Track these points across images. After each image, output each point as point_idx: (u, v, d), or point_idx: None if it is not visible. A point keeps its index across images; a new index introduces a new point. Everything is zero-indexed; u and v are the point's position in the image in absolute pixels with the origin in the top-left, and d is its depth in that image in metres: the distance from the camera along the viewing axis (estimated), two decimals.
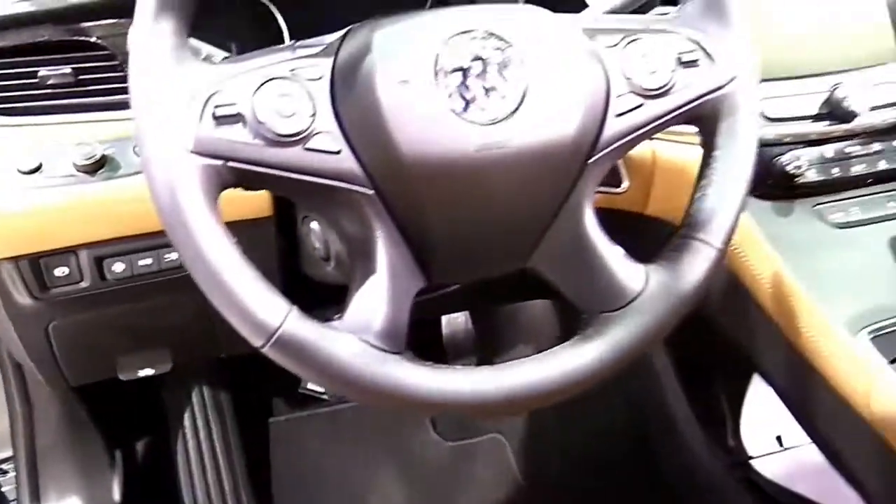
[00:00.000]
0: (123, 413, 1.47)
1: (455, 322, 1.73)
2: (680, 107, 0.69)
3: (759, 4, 1.00)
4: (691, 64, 0.69)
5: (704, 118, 0.71)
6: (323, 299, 0.74)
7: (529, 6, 0.69)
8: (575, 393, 0.67)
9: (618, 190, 0.95)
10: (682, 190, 0.74)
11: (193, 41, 0.75)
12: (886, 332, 0.86)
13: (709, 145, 0.72)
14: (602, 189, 0.93)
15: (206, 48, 0.76)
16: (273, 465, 1.62)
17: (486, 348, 1.74)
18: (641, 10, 0.83)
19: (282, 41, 0.97)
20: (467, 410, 0.66)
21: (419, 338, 1.70)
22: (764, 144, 0.96)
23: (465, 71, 0.62)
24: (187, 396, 1.51)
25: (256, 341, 0.59)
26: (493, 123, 0.62)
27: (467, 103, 0.62)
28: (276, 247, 0.95)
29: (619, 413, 1.58)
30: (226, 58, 0.75)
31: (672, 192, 0.92)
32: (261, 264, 0.98)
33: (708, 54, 0.70)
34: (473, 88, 0.62)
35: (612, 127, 0.67)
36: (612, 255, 0.69)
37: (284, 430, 1.65)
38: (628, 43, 0.68)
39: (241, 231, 0.88)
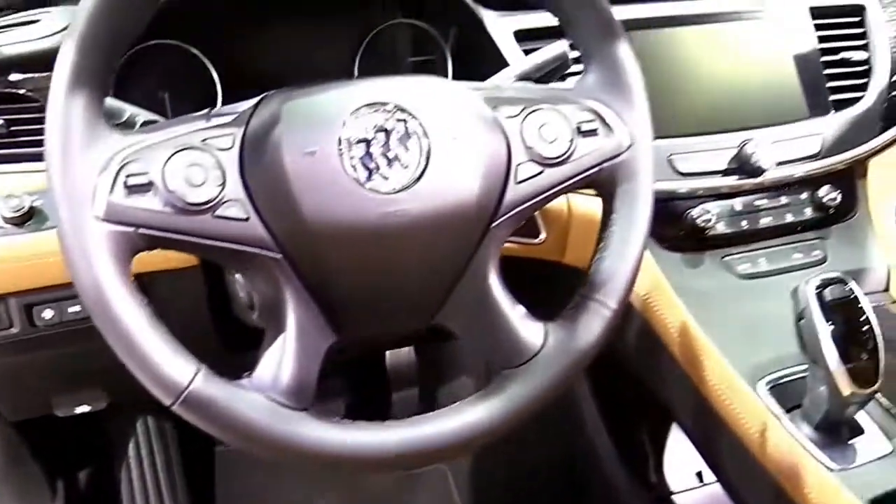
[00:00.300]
0: (65, 444, 1.47)
1: (399, 353, 1.76)
2: (579, 174, 0.73)
3: (674, 63, 1.06)
4: (590, 133, 0.74)
5: (603, 184, 0.76)
6: (257, 341, 0.77)
7: (434, 78, 0.73)
8: (477, 447, 0.71)
9: (536, 241, 0.99)
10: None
11: (115, 102, 0.78)
12: (784, 383, 0.91)
13: (607, 209, 0.76)
14: (521, 240, 0.98)
15: (130, 109, 0.79)
16: (217, 494, 1.63)
17: (429, 380, 1.77)
18: (552, 74, 0.88)
19: (214, 89, 1.00)
20: (370, 467, 0.69)
21: (362, 369, 1.72)
22: (675, 198, 1.02)
23: (368, 142, 0.66)
24: (130, 426, 1.52)
25: (165, 400, 0.62)
26: (395, 192, 0.65)
27: (370, 173, 0.65)
28: (205, 294, 0.98)
29: (550, 448, 1.62)
30: (145, 122, 0.77)
31: (587, 242, 0.96)
32: (192, 311, 1.00)
33: (606, 124, 0.74)
34: (377, 158, 0.66)
35: (513, 193, 0.71)
36: (514, 315, 0.73)
37: (229, 459, 1.66)
38: (529, 113, 0.72)
39: (171, 281, 0.91)
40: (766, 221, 1.06)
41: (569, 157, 0.73)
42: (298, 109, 0.66)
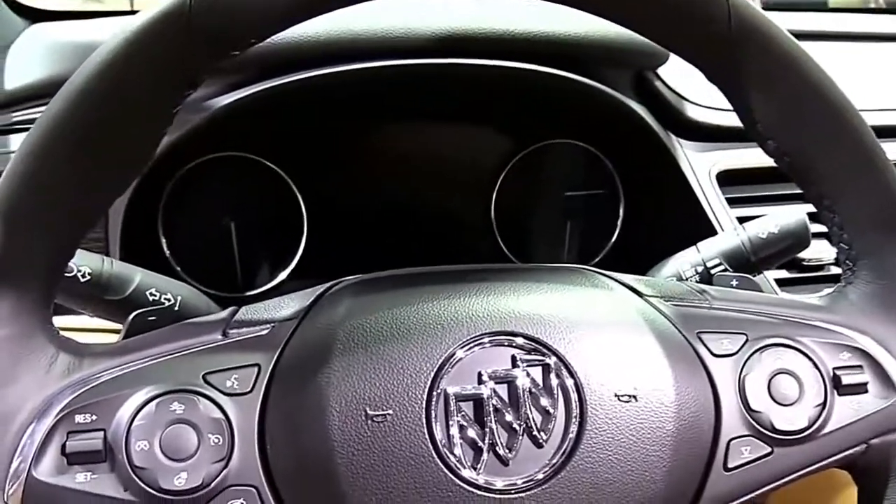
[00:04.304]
0: None
1: None
2: (830, 456, 0.45)
3: None
4: (854, 389, 0.45)
5: (866, 470, 0.47)
6: None
7: (592, 281, 0.46)
8: None
9: None
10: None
11: (118, 267, 0.52)
12: None
13: None
14: None
15: (140, 275, 0.52)
16: None
17: None
18: (778, 256, 0.58)
19: (298, 218, 0.76)
20: None
21: None
22: None
23: (479, 401, 0.39)
24: None
25: None
26: (520, 490, 0.39)
27: (479, 454, 0.39)
28: None
29: None
30: (153, 311, 0.51)
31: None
32: None
33: (882, 373, 0.45)
34: (491, 429, 0.39)
35: (720, 485, 0.43)
36: None
37: None
38: (755, 351, 0.44)
39: None
40: None
41: (818, 429, 0.44)
42: (368, 331, 0.40)
